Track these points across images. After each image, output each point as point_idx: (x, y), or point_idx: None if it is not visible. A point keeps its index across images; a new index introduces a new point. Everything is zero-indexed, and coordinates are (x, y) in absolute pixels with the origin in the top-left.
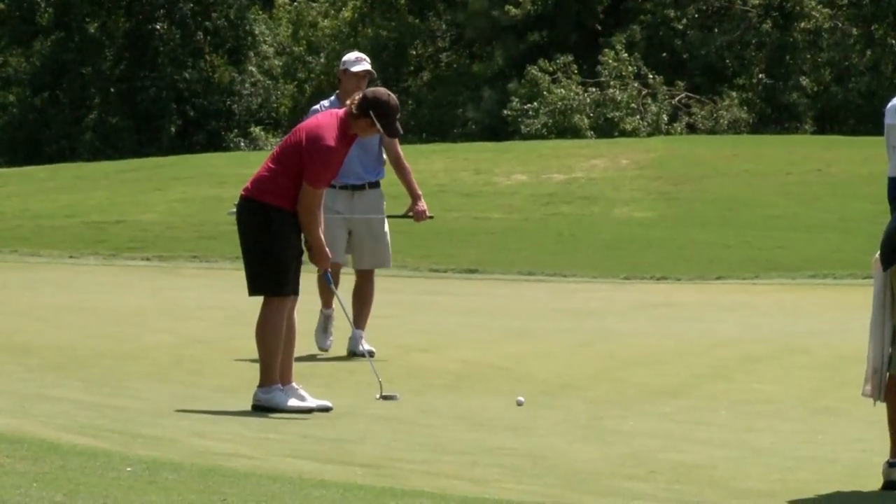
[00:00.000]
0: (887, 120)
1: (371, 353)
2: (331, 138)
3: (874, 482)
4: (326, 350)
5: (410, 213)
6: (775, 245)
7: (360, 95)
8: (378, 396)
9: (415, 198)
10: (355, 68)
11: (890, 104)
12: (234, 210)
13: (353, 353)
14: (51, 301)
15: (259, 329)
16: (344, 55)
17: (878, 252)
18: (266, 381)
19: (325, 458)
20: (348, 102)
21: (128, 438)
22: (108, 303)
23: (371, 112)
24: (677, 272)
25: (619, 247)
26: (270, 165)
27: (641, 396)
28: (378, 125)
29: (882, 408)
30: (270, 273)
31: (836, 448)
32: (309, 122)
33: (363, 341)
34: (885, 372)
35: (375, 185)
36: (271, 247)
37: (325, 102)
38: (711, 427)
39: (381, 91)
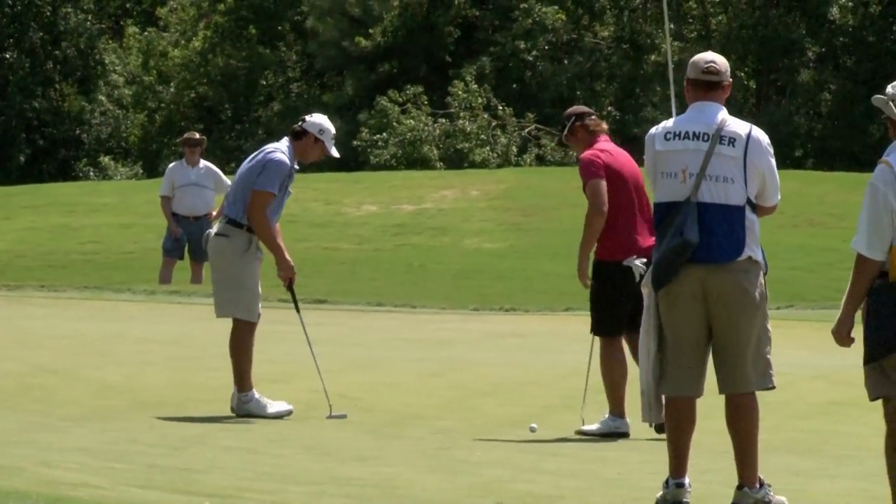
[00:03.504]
0: (657, 146)
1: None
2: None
3: None
4: None
5: None
6: None
7: (576, 115)
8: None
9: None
10: (334, 151)
11: (656, 131)
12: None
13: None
14: None
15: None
16: (317, 118)
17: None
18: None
19: (172, 487)
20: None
21: None
22: None
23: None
24: (527, 303)
25: (468, 277)
26: (644, 220)
27: (490, 426)
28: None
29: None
30: None
31: None
32: (600, 167)
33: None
34: (651, 395)
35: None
36: None
37: (283, 147)
38: (559, 457)
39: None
